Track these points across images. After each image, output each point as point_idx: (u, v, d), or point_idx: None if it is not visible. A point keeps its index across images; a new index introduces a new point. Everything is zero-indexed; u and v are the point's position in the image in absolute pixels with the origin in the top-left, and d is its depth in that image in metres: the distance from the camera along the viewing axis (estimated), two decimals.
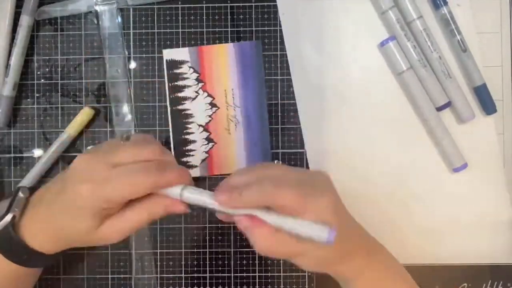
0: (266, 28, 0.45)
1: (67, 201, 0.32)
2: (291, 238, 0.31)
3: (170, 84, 0.45)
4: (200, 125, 0.45)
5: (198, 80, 0.45)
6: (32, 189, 0.36)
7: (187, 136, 0.45)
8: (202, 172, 0.45)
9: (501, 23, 0.45)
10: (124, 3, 0.45)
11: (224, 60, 0.45)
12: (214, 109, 0.45)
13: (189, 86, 0.45)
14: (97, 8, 0.45)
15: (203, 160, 0.45)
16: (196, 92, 0.45)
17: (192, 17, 0.45)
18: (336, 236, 0.30)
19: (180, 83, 0.45)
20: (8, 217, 0.34)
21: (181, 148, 0.45)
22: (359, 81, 0.45)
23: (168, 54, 0.45)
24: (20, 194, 0.35)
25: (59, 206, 0.33)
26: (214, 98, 0.45)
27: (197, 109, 0.45)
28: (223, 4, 0.45)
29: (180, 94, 0.45)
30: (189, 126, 0.45)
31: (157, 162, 0.32)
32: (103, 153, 0.33)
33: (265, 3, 0.45)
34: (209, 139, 0.45)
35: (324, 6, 0.45)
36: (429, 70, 0.43)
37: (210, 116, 0.45)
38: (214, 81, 0.45)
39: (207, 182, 0.45)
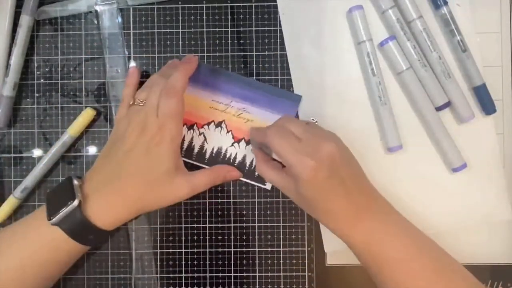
0: (266, 28, 0.45)
1: (138, 152, 0.38)
2: (278, 170, 0.40)
3: (182, 153, 0.45)
4: (232, 144, 0.45)
5: (190, 127, 0.45)
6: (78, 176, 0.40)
7: (237, 162, 0.45)
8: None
9: (501, 23, 0.45)
10: (124, 3, 0.45)
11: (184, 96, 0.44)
12: (222, 124, 0.45)
13: (191, 138, 0.45)
14: (97, 8, 0.45)
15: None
16: (200, 134, 0.45)
17: (192, 17, 0.45)
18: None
19: (186, 145, 0.45)
20: (76, 202, 0.36)
21: (246, 171, 0.45)
22: (359, 80, 0.45)
23: None
24: (75, 182, 0.38)
25: (133, 166, 0.38)
26: (213, 121, 0.45)
27: (216, 140, 0.45)
28: (223, 4, 0.45)
29: (196, 150, 0.45)
30: (228, 155, 0.45)
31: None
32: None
33: (265, 3, 0.45)
34: (248, 142, 0.45)
35: (324, 6, 0.45)
36: (428, 70, 0.43)
37: (228, 131, 0.45)
38: (197, 113, 0.45)
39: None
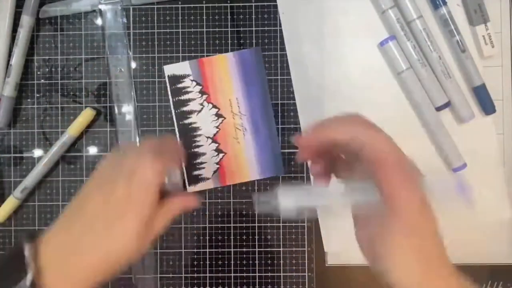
0: (266, 29, 0.45)
1: (99, 228, 0.32)
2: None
3: (174, 99, 0.45)
4: (208, 137, 0.45)
5: (202, 92, 0.45)
6: (31, 237, 0.33)
7: (196, 150, 0.45)
8: (215, 184, 0.45)
9: (501, 23, 0.45)
10: (128, 2, 0.45)
11: (225, 70, 0.45)
12: (220, 119, 0.45)
13: (193, 99, 0.45)
14: (101, 7, 0.45)
15: (214, 172, 0.45)
16: (201, 104, 0.45)
17: (192, 17, 0.45)
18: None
19: (184, 97, 0.45)
20: (28, 281, 0.30)
21: (192, 162, 0.45)
22: (359, 80, 0.45)
23: (169, 69, 0.45)
24: (27, 253, 0.31)
25: (92, 243, 0.32)
26: (219, 109, 0.45)
27: (204, 121, 0.45)
28: (223, 4, 0.45)
29: (185, 108, 0.45)
30: (197, 139, 0.45)
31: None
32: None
33: (265, 3, 0.45)
34: (218, 150, 0.45)
35: (324, 6, 0.45)
36: (428, 70, 0.43)
37: (217, 127, 0.45)
38: (218, 92, 0.45)
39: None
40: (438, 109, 0.43)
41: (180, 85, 0.45)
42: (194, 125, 0.45)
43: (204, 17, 0.45)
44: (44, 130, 0.46)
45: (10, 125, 0.46)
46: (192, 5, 0.45)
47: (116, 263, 0.33)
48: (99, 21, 0.46)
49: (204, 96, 0.45)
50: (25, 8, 0.44)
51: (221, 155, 0.45)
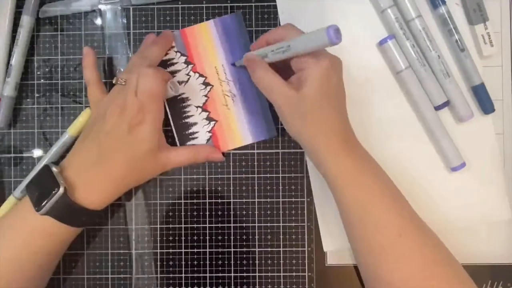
0: (266, 29, 0.45)
1: (120, 133, 0.38)
2: (274, 75, 0.38)
3: None
4: (198, 106, 0.45)
5: (187, 62, 0.45)
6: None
7: (187, 120, 0.45)
8: None
9: (501, 22, 0.45)
10: (127, 2, 0.45)
11: (208, 38, 0.45)
12: (208, 87, 0.45)
13: (179, 70, 0.45)
14: (101, 7, 0.45)
15: (207, 140, 0.45)
16: (187, 74, 0.45)
17: (192, 17, 0.46)
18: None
19: (170, 69, 0.45)
20: (61, 190, 0.36)
21: (184, 133, 0.45)
22: (358, 79, 0.45)
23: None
24: (54, 169, 0.38)
25: (115, 146, 0.38)
26: (206, 77, 0.45)
27: (192, 91, 0.45)
28: (223, 4, 0.45)
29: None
30: (187, 109, 0.45)
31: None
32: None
33: (265, 3, 0.45)
34: (209, 118, 0.45)
35: (323, 5, 0.45)
36: (427, 69, 0.43)
37: (206, 95, 0.45)
38: (203, 61, 0.45)
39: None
40: (437, 108, 0.43)
41: (165, 58, 0.45)
42: (182, 96, 0.45)
43: (204, 17, 0.46)
44: (44, 130, 0.46)
45: (10, 125, 0.46)
46: (192, 5, 0.45)
47: (140, 170, 0.40)
48: (99, 21, 0.46)
49: (190, 66, 0.45)
50: (25, 8, 0.44)
51: (212, 123, 0.45)
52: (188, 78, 0.45)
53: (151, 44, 0.43)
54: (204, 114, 0.45)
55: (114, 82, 0.40)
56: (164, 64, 0.45)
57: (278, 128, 0.45)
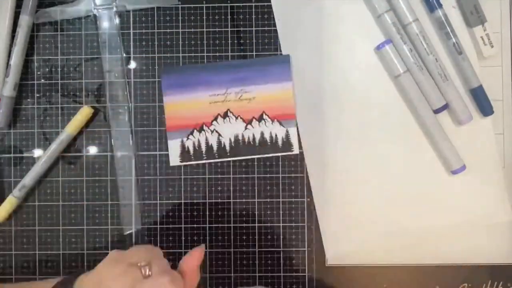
0: (266, 29, 0.45)
1: None
2: None
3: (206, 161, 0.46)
4: (245, 127, 0.45)
5: (200, 129, 0.45)
6: None
7: (245, 144, 0.46)
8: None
9: (501, 22, 0.45)
10: (122, 7, 0.45)
11: (180, 105, 0.45)
12: (230, 114, 0.45)
13: (207, 138, 0.45)
14: (96, 12, 0.45)
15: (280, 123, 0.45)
16: (213, 132, 0.45)
17: (192, 17, 0.45)
18: None
19: (206, 148, 0.45)
20: None
21: (266, 147, 0.45)
22: (356, 84, 0.45)
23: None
24: None
25: None
26: (219, 114, 0.45)
27: (230, 129, 0.45)
28: (223, 4, 0.45)
29: (215, 146, 0.45)
30: (239, 138, 0.45)
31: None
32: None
33: (265, 3, 0.45)
34: (260, 119, 0.45)
35: (320, 11, 0.45)
36: (425, 73, 0.43)
37: (237, 117, 0.45)
38: (201, 114, 0.45)
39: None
40: (436, 111, 0.43)
41: (187, 144, 0.45)
42: (235, 138, 0.45)
43: (204, 18, 0.45)
44: (44, 130, 0.46)
45: (10, 125, 0.46)
46: (192, 5, 0.45)
47: None
48: (97, 22, 0.46)
49: (204, 126, 0.45)
50: (23, 7, 0.44)
51: (265, 117, 0.45)
52: (216, 133, 0.45)
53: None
54: (263, 122, 0.45)
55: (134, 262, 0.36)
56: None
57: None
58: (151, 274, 0.34)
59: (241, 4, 0.45)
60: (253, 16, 0.45)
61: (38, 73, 0.46)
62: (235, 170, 0.45)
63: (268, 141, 0.45)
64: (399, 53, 0.43)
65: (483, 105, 0.44)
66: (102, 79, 0.45)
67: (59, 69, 0.46)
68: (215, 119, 0.45)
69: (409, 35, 0.43)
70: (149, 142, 0.46)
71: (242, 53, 0.45)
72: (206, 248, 0.45)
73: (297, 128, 0.45)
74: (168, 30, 0.45)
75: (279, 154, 0.45)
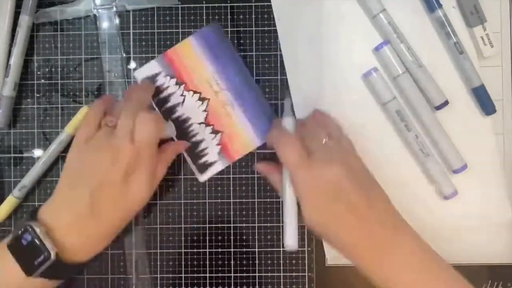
0: (266, 29, 0.45)
1: (114, 183, 0.36)
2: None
3: (155, 100, 0.45)
4: (200, 123, 0.45)
5: (178, 83, 0.45)
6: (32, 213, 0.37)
7: (193, 139, 0.45)
8: (224, 164, 0.45)
9: (501, 22, 0.45)
10: (122, 7, 0.45)
11: (192, 53, 0.45)
12: (205, 102, 0.45)
13: (173, 93, 0.45)
14: (95, 12, 0.45)
15: (219, 153, 0.45)
16: (182, 95, 0.45)
17: (192, 17, 0.45)
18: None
19: (163, 94, 0.45)
20: (53, 256, 0.34)
21: (194, 152, 0.45)
22: (355, 85, 0.45)
23: (140, 74, 0.45)
24: (38, 230, 0.34)
25: (108, 198, 0.36)
26: (201, 93, 0.45)
27: (191, 109, 0.45)
28: (223, 4, 0.45)
29: (169, 104, 0.45)
30: (191, 129, 0.45)
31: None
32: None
33: (265, 3, 0.45)
34: (215, 131, 0.45)
35: (320, 11, 0.45)
36: (424, 70, 0.43)
37: (205, 110, 0.45)
38: (193, 77, 0.45)
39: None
40: (437, 108, 0.43)
41: (156, 84, 0.45)
42: (183, 117, 0.45)
43: (204, 17, 0.45)
44: (44, 130, 0.46)
45: (10, 125, 0.46)
46: (192, 5, 0.45)
47: (131, 216, 0.38)
48: (97, 23, 0.46)
49: (182, 86, 0.45)
50: (23, 7, 0.44)
51: (218, 135, 0.45)
52: (184, 98, 0.45)
53: (136, 89, 0.41)
54: (209, 129, 0.45)
55: (103, 123, 0.37)
56: (157, 91, 0.45)
57: None
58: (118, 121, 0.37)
59: (241, 4, 0.45)
60: (253, 16, 0.45)
61: (38, 73, 0.46)
62: (235, 170, 0.45)
63: (198, 149, 0.45)
64: (397, 53, 0.43)
65: (486, 104, 0.43)
66: (102, 79, 0.45)
67: (59, 69, 0.46)
68: (194, 92, 0.45)
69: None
70: None
71: (242, 53, 0.45)
72: (206, 248, 0.45)
73: None
74: (168, 30, 0.45)
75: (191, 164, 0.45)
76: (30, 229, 0.34)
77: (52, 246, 0.34)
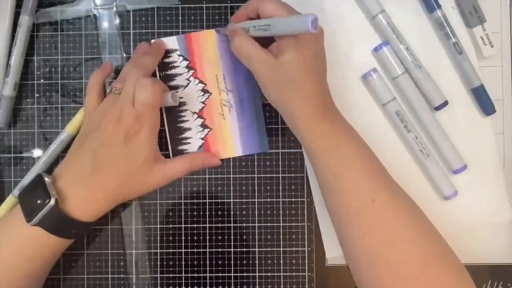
0: None
1: (116, 143, 0.38)
2: (253, 43, 0.38)
3: (161, 74, 0.45)
4: (194, 112, 0.45)
5: (189, 67, 0.45)
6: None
7: (182, 124, 0.45)
8: None
9: (501, 22, 0.45)
10: (122, 7, 0.45)
11: (212, 45, 0.45)
12: (206, 95, 0.45)
13: (180, 74, 0.45)
14: (96, 12, 0.45)
15: (199, 147, 0.45)
16: (188, 79, 0.45)
17: (192, 17, 0.46)
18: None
19: (171, 72, 0.45)
20: (52, 202, 0.36)
21: (177, 137, 0.45)
22: (355, 86, 0.45)
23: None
24: (47, 179, 0.37)
25: (111, 157, 0.38)
26: (206, 84, 0.45)
27: (190, 96, 0.45)
28: (223, 4, 0.45)
29: (172, 83, 0.45)
30: (183, 114, 0.45)
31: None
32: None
33: None
34: (204, 125, 0.45)
35: (319, 12, 0.44)
36: (424, 71, 0.43)
37: (203, 102, 0.45)
38: (205, 67, 0.45)
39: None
40: (437, 108, 0.43)
41: (167, 60, 0.45)
42: (180, 100, 0.44)
43: (204, 18, 0.46)
44: (44, 130, 0.46)
45: (10, 125, 0.46)
46: (192, 5, 0.45)
47: (135, 182, 0.40)
48: (97, 22, 0.46)
49: (191, 71, 0.45)
50: (23, 7, 0.44)
51: (206, 130, 0.45)
52: (188, 83, 0.45)
53: (144, 53, 0.42)
54: (199, 121, 0.45)
55: (108, 91, 0.40)
56: (166, 66, 0.45)
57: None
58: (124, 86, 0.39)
59: (241, 4, 0.45)
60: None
61: (38, 73, 0.46)
62: (235, 170, 0.45)
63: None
64: (396, 54, 0.43)
65: (485, 104, 0.44)
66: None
67: (59, 69, 0.46)
68: (200, 82, 0.45)
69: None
70: None
71: None
72: (206, 248, 0.45)
73: None
74: (168, 30, 0.45)
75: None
76: (38, 179, 0.38)
77: (53, 192, 0.36)
